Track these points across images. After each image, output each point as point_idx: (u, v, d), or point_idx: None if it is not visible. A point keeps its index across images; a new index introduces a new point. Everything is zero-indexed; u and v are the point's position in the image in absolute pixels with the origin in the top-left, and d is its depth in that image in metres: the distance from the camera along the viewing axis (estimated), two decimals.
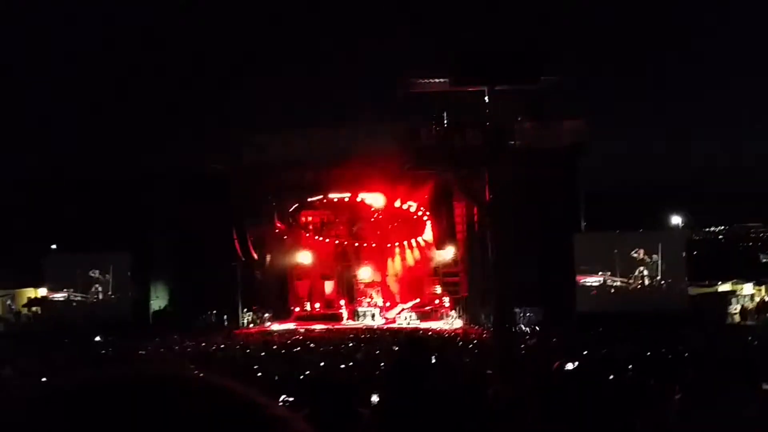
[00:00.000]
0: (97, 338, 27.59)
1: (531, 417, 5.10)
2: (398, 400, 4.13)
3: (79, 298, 33.65)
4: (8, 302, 35.62)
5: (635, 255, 29.72)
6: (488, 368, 12.90)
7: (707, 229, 59.97)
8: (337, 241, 35.59)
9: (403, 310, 32.67)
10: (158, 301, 34.04)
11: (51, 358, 21.08)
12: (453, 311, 31.75)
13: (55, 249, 36.34)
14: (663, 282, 29.45)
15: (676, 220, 35.99)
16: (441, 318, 31.54)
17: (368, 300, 33.96)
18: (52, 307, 33.65)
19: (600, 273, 29.89)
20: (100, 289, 33.67)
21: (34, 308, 35.39)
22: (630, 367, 10.59)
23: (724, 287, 33.22)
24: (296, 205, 34.26)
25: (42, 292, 34.91)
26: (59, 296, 33.77)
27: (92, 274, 33.62)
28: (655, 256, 29.55)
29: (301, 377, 14.15)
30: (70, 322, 30.60)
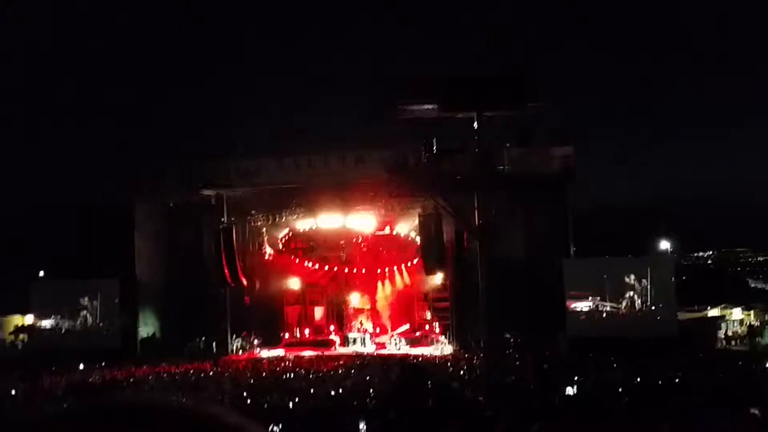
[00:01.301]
0: (81, 366, 27.32)
1: None
2: (397, 423, 4.13)
3: (66, 326, 33.37)
4: None
5: (625, 280, 29.78)
6: (480, 393, 12.86)
7: (696, 255, 60.17)
8: (326, 267, 35.50)
9: (393, 336, 32.55)
10: (147, 328, 33.80)
11: (38, 386, 20.90)
12: (443, 336, 31.65)
13: (42, 276, 36.09)
14: (653, 307, 29.47)
15: (665, 245, 36.09)
16: (431, 344, 31.40)
17: (358, 326, 33.83)
18: (40, 335, 33.36)
19: (590, 298, 29.91)
20: (88, 316, 33.41)
21: (21, 336, 35.08)
22: (620, 390, 10.60)
23: (713, 312, 33.28)
24: (285, 230, 34.22)
25: (29, 319, 34.61)
26: (47, 323, 33.48)
27: (80, 302, 33.38)
28: (644, 281, 29.59)
29: (291, 404, 14.07)
30: (57, 350, 30.35)
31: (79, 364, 27.47)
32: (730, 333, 30.83)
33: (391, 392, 4.64)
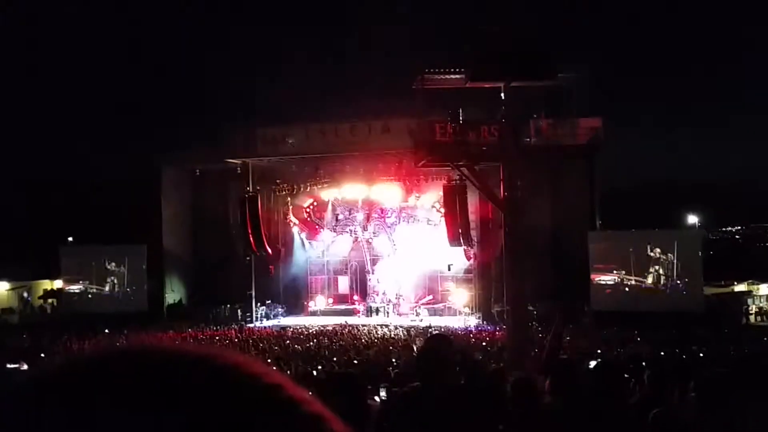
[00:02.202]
0: (106, 330, 27.72)
1: (550, 412, 5.07)
2: (422, 393, 4.13)
3: (94, 290, 33.87)
4: (24, 294, 35.87)
5: (651, 254, 29.54)
6: (503, 365, 12.86)
7: (724, 229, 59.52)
8: (351, 237, 35.55)
9: (416, 306, 32.61)
10: (173, 294, 34.20)
11: (65, 349, 21.26)
12: (466, 308, 31.65)
13: (71, 241, 36.56)
14: (678, 281, 29.25)
15: (692, 219, 35.70)
16: (454, 315, 31.45)
17: (382, 296, 33.92)
18: (68, 299, 33.90)
19: (615, 271, 29.74)
20: (115, 281, 33.87)
21: (50, 300, 35.65)
22: (644, 364, 10.53)
23: (740, 287, 32.97)
24: (311, 200, 34.29)
25: (58, 284, 35.15)
26: (75, 288, 34.01)
27: (108, 267, 33.83)
28: (670, 255, 29.35)
29: (315, 372, 14.17)
30: (85, 314, 30.85)
31: (105, 329, 27.90)
32: (756, 308, 30.55)
33: (415, 361, 4.65)
